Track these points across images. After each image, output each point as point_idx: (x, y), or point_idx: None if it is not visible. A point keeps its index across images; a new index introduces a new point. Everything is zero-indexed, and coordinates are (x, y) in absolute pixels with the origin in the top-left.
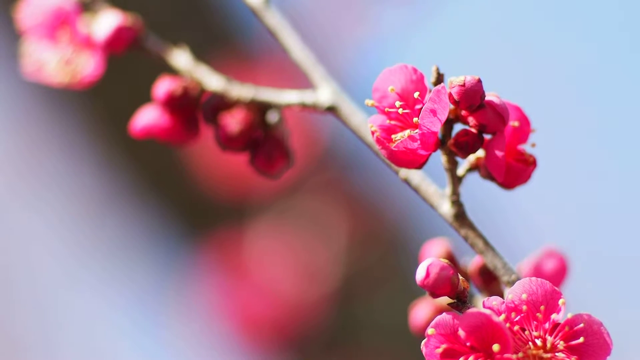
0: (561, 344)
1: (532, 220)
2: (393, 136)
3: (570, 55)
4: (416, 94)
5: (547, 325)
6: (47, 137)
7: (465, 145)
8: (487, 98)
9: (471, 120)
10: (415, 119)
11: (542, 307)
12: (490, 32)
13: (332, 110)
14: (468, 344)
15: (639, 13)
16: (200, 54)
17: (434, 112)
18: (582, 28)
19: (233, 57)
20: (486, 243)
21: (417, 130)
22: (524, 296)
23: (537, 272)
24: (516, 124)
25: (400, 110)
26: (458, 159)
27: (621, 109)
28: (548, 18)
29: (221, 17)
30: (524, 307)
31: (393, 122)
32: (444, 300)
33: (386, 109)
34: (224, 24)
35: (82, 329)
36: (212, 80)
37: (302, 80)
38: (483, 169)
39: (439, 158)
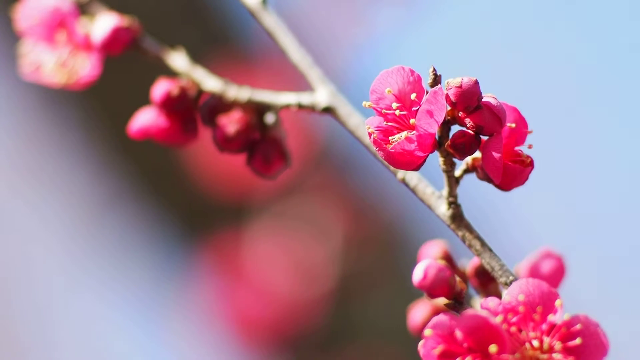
0: (558, 345)
1: (530, 222)
2: (390, 137)
3: (568, 56)
4: (413, 96)
5: (544, 326)
6: (46, 137)
7: (463, 146)
8: (484, 99)
9: (468, 121)
10: (412, 121)
11: (539, 308)
12: (486, 32)
13: (329, 111)
14: (465, 344)
15: (637, 13)
16: (199, 56)
17: (430, 113)
18: (579, 28)
19: (231, 58)
20: (483, 244)
21: (414, 132)
22: (521, 297)
23: (534, 273)
24: (513, 125)
25: (398, 112)
26: (455, 160)
27: (618, 110)
28: (545, 18)
29: (219, 18)
30: (521, 308)
31: (390, 124)
32: (442, 301)
33: (383, 111)
34: (222, 25)
35: (81, 330)
36: (210, 82)
37: (301, 82)
38: (480, 170)
39: (437, 159)
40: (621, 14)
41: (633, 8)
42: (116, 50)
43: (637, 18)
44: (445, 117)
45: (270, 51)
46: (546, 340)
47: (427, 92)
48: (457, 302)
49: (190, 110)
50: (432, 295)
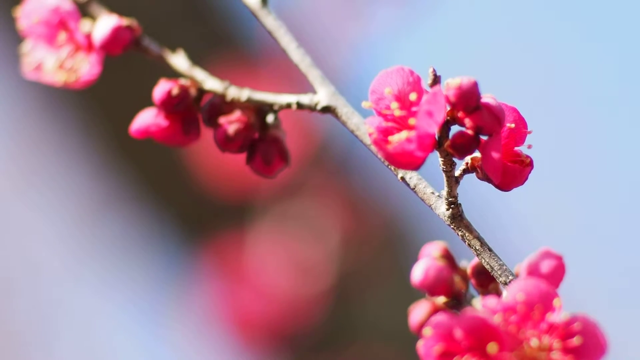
0: (557, 344)
1: (530, 222)
2: (390, 138)
3: (567, 56)
4: (413, 96)
5: (542, 326)
6: (47, 137)
7: (462, 147)
8: (483, 100)
9: (468, 122)
10: (412, 121)
11: (537, 307)
12: (485, 32)
13: (330, 111)
14: (464, 344)
15: (636, 14)
16: (201, 57)
17: (430, 113)
18: (578, 27)
19: (234, 59)
20: (483, 244)
21: (414, 132)
22: (520, 296)
23: (534, 272)
24: (513, 125)
25: (397, 112)
26: (455, 160)
27: (618, 111)
28: (543, 18)
29: (222, 19)
30: (520, 308)
31: (390, 124)
32: (442, 300)
33: (383, 111)
34: (225, 26)
35: (82, 329)
36: (211, 82)
37: (304, 82)
38: (480, 170)
39: (437, 159)
40: (621, 13)
41: (632, 7)
42: (116, 50)
43: (637, 17)
44: (444, 118)
45: (273, 52)
46: (545, 339)
47: (426, 93)
48: (457, 302)
49: (191, 111)
50: (432, 294)
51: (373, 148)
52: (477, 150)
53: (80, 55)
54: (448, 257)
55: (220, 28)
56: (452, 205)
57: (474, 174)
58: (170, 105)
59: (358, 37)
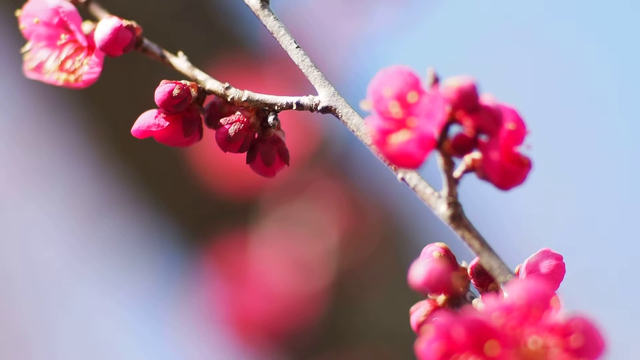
0: (555, 344)
1: (530, 222)
2: (390, 138)
3: (567, 56)
4: (412, 96)
5: (542, 326)
6: (49, 136)
7: (462, 147)
8: (482, 100)
9: (467, 122)
10: (411, 121)
11: (536, 307)
12: (485, 33)
13: (330, 111)
14: (464, 343)
15: (635, 14)
16: (202, 57)
17: (430, 114)
18: (576, 28)
19: (235, 59)
20: (483, 244)
21: (413, 133)
22: (519, 296)
23: (533, 272)
24: (512, 126)
25: (397, 113)
26: (455, 160)
27: (618, 111)
28: (543, 18)
29: (225, 20)
30: (519, 307)
31: (390, 124)
32: (442, 299)
33: (382, 111)
34: (228, 27)
35: (84, 327)
36: (211, 83)
37: (304, 82)
38: (479, 170)
39: (437, 159)
40: (622, 12)
41: (633, 7)
42: (117, 51)
43: (637, 17)
44: (444, 118)
45: (274, 52)
46: (544, 339)
47: (426, 93)
48: (457, 301)
49: (192, 111)
50: (431, 294)
51: (373, 148)
52: (476, 151)
53: (81, 55)
54: (448, 257)
55: (221, 29)
56: (452, 205)
57: (474, 173)
58: (171, 105)
59: (358, 37)
